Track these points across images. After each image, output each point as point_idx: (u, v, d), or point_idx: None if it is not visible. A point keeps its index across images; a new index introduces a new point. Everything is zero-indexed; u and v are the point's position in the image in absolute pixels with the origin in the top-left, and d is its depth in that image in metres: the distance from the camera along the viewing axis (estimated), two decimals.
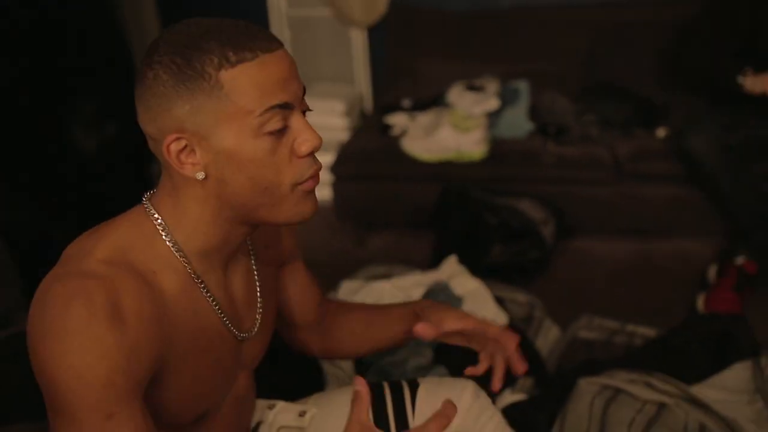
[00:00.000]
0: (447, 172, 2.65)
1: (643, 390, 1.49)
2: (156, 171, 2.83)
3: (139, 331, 0.81)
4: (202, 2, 2.16)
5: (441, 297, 1.91)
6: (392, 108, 2.90)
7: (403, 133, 2.74)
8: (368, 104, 3.34)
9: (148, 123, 0.85)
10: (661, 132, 2.62)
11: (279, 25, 3.40)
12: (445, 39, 3.11)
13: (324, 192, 2.79)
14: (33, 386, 1.14)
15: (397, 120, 2.80)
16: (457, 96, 2.78)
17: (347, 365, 1.62)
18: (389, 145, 2.73)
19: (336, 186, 2.76)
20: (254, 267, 1.04)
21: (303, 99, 0.88)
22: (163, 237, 0.88)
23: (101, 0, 2.32)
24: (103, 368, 0.77)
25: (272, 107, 0.82)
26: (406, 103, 2.91)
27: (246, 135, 0.82)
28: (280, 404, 1.18)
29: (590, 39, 2.95)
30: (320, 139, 0.86)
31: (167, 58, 0.81)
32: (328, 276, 1.97)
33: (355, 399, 1.00)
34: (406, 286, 1.93)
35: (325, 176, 2.69)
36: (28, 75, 1.94)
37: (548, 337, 1.99)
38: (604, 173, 2.58)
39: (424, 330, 1.11)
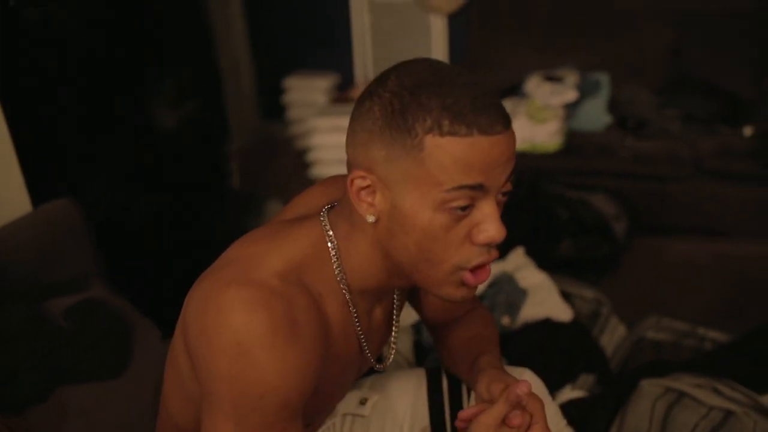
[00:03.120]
0: (520, 163, 2.57)
1: (709, 395, 1.44)
2: (232, 149, 2.89)
3: (312, 350, 0.81)
4: None
5: (506, 288, 1.89)
6: None
7: None
8: None
9: (349, 145, 0.83)
10: (748, 130, 2.52)
11: (360, 10, 3.41)
12: (525, 28, 3.06)
13: None
14: (100, 348, 1.20)
15: None
16: (535, 86, 2.73)
17: (407, 351, 1.62)
18: None
19: None
20: (395, 298, 1.04)
21: (506, 182, 0.83)
22: (335, 265, 0.88)
23: None
24: (284, 389, 0.78)
25: (463, 186, 0.78)
26: None
27: (427, 204, 0.78)
28: None
29: (677, 29, 2.85)
30: (503, 233, 0.81)
31: (388, 96, 0.79)
32: None
33: (502, 399, 0.89)
34: None
35: None
36: (108, 51, 2.00)
37: (614, 336, 1.95)
38: (682, 169, 2.50)
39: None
